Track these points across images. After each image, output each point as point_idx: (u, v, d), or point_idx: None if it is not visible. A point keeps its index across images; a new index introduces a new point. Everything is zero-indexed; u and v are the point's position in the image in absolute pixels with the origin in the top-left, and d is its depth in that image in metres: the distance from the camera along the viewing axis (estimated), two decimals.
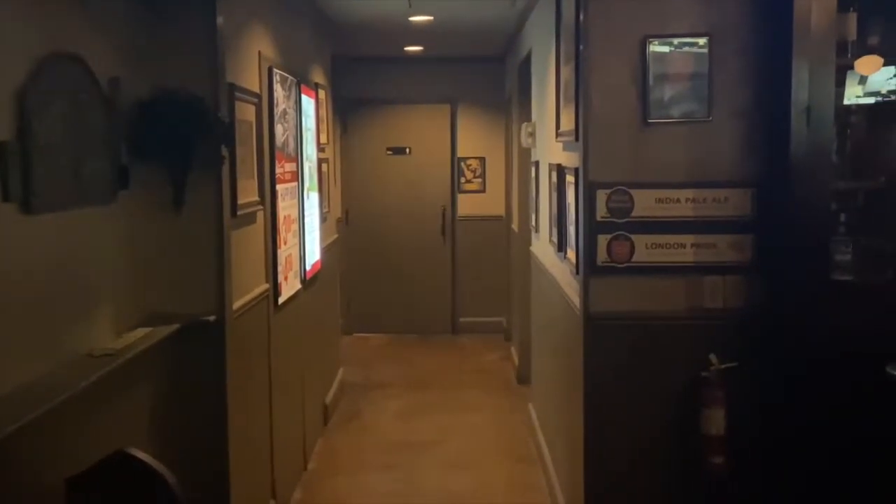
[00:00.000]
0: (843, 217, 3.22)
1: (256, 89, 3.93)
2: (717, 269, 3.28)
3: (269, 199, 4.11)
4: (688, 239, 3.27)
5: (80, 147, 2.54)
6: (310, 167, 5.28)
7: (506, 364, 7.65)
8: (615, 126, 3.27)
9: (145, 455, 2.35)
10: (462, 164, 8.84)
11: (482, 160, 8.85)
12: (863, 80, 3.16)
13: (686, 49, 3.22)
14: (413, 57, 8.31)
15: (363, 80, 8.48)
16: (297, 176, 4.83)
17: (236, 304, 3.44)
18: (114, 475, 2.31)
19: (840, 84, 3.09)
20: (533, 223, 5.64)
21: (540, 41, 5.10)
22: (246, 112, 3.69)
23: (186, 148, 3.04)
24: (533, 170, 5.63)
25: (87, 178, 2.58)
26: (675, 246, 3.27)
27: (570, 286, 3.79)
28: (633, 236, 3.27)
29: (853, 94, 3.18)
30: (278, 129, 4.31)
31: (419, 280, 8.86)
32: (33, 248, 2.32)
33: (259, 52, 4.02)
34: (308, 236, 5.10)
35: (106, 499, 2.31)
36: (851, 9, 3.07)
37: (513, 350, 7.62)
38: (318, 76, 5.97)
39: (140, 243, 3.04)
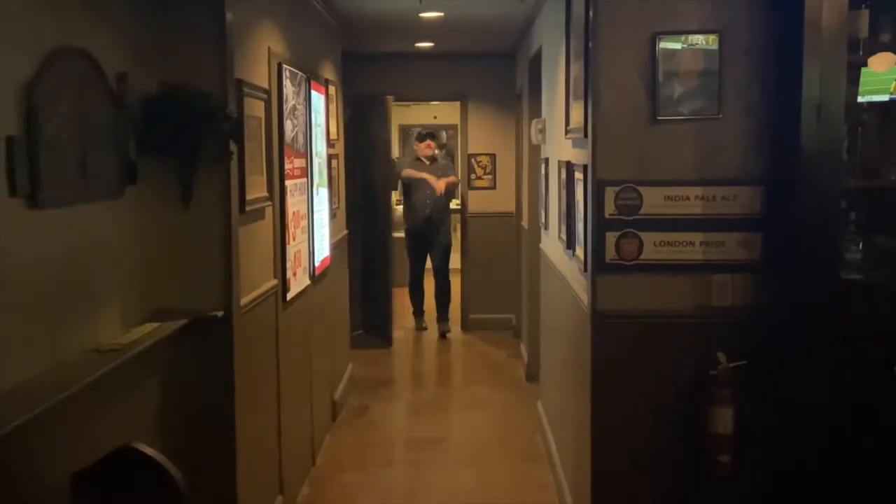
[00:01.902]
0: (853, 215, 3.19)
1: (266, 85, 3.93)
2: (725, 267, 3.26)
3: (278, 195, 4.12)
4: (696, 237, 3.26)
5: (88, 142, 2.55)
6: (319, 163, 5.28)
7: (515, 361, 7.65)
8: (624, 123, 3.26)
9: (151, 450, 2.35)
10: (472, 160, 8.83)
11: (493, 157, 8.83)
12: None
13: (696, 46, 3.20)
14: (424, 53, 8.30)
15: (374, 77, 8.47)
16: (307, 172, 4.83)
17: (244, 300, 3.45)
18: (120, 470, 2.32)
19: (851, 82, 3.07)
20: (542, 220, 5.63)
21: (550, 38, 5.08)
22: (255, 108, 3.69)
23: (194, 144, 3.04)
24: (543, 167, 5.62)
25: (94, 174, 2.59)
26: (684, 244, 3.26)
27: (578, 283, 3.78)
28: (641, 234, 3.26)
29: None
30: (287, 125, 4.31)
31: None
32: (40, 243, 2.32)
33: (268, 48, 4.02)
34: (317, 232, 5.10)
35: (112, 493, 2.32)
36: (863, 6, 3.04)
37: (522, 347, 7.61)
38: (329, 72, 5.97)
39: (148, 239, 3.04)
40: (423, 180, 8.34)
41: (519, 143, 8.03)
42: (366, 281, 8.05)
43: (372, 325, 8.13)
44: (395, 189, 8.74)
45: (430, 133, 8.68)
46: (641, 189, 3.25)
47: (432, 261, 8.60)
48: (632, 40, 3.23)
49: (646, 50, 3.22)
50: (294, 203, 4.44)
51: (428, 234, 8.49)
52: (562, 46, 4.29)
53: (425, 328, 8.80)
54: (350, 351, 7.03)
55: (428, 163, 8.45)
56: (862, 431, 2.99)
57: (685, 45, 3.21)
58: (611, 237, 3.27)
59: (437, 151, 8.83)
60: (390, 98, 8.11)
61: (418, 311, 8.93)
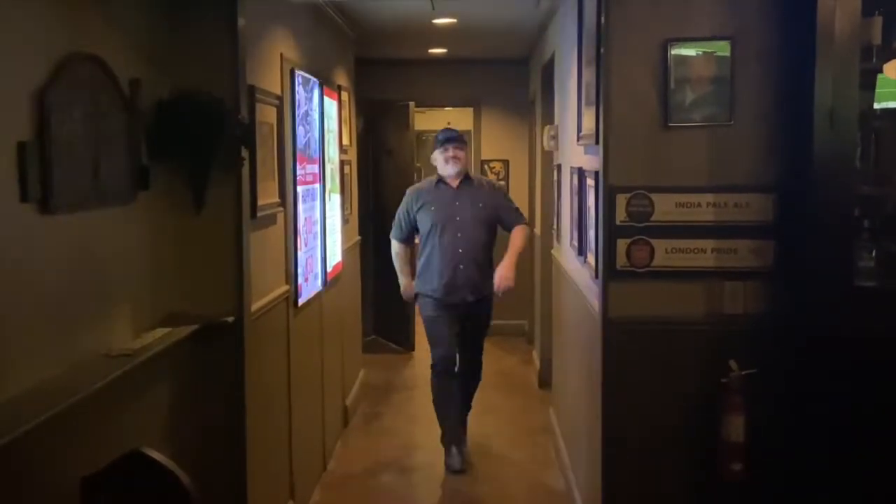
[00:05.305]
0: (866, 223, 3.17)
1: (278, 91, 3.94)
2: (737, 274, 3.24)
3: (290, 201, 4.12)
4: (708, 244, 3.24)
5: (100, 148, 2.56)
6: (332, 169, 5.29)
7: (527, 368, 7.63)
8: (636, 129, 3.25)
9: (160, 455, 2.36)
10: (486, 166, 8.82)
11: (506, 163, 8.83)
12: None
13: (708, 52, 3.19)
14: (437, 59, 8.30)
15: (387, 82, 8.47)
16: (319, 178, 4.84)
17: (255, 306, 3.45)
18: (129, 475, 2.32)
19: (865, 88, 3.05)
20: (555, 227, 5.62)
21: (563, 44, 5.08)
22: (267, 114, 3.70)
23: (206, 149, 3.05)
24: (555, 173, 5.61)
25: (106, 179, 2.60)
26: (696, 251, 3.24)
27: (589, 290, 3.77)
28: (652, 241, 3.25)
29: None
30: (300, 130, 4.32)
31: None
32: (52, 248, 2.33)
33: (281, 54, 4.04)
34: (329, 238, 5.11)
35: (121, 498, 2.32)
36: (877, 12, 3.02)
37: (534, 354, 7.59)
38: (341, 78, 5.98)
39: (159, 244, 3.05)
40: (446, 202, 5.18)
41: (532, 149, 8.03)
42: (378, 287, 8.04)
43: (388, 329, 8.13)
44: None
45: (450, 137, 5.23)
46: (653, 196, 3.24)
47: (459, 345, 5.28)
48: (643, 46, 3.22)
49: (657, 56, 3.21)
50: (306, 209, 4.45)
51: (458, 305, 5.17)
52: (574, 53, 4.28)
53: (460, 470, 5.13)
54: (362, 356, 7.04)
55: (455, 184, 5.22)
56: (876, 439, 2.97)
57: (697, 52, 3.20)
58: (622, 244, 3.26)
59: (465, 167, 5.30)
60: (412, 104, 7.97)
61: (450, 435, 5.27)
